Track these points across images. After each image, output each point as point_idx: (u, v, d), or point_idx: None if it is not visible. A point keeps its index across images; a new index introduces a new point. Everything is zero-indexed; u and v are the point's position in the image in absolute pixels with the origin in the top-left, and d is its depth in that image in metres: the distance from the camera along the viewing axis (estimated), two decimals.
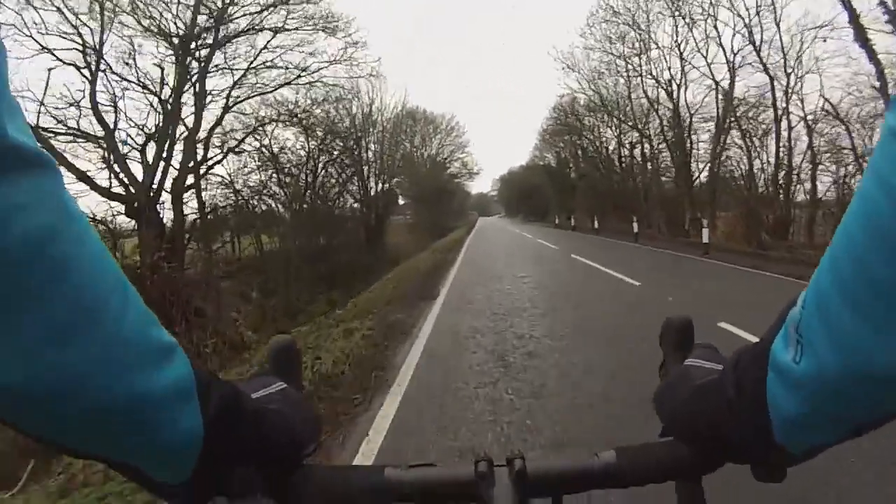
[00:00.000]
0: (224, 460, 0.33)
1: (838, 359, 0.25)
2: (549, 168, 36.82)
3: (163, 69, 11.35)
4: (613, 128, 22.93)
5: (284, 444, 0.38)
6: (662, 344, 0.49)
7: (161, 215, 10.83)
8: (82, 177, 9.80)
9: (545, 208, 42.23)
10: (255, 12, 12.34)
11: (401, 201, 30.82)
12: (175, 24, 11.27)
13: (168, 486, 0.31)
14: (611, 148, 24.23)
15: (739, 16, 14.65)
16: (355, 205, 20.62)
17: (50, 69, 9.79)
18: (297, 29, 13.38)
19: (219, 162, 12.88)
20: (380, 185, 22.59)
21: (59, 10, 9.84)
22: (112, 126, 10.56)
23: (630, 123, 20.85)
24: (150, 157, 10.95)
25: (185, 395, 0.29)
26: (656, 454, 0.41)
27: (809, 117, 13.76)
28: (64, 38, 10.15)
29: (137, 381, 0.26)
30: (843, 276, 0.25)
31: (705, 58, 16.31)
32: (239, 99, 13.16)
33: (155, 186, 10.80)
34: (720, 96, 16.33)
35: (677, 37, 17.07)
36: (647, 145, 20.78)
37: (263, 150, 14.03)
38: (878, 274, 0.23)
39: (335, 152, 17.33)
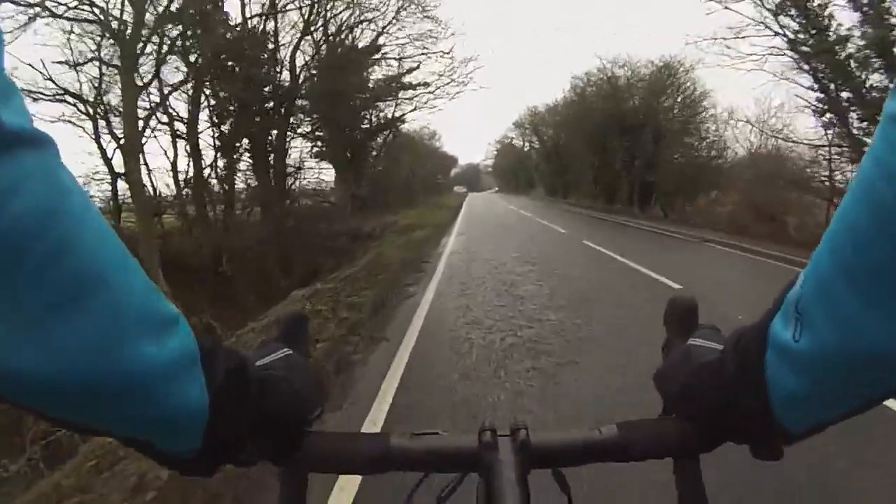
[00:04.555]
0: (231, 428, 0.33)
1: (838, 337, 0.26)
2: None
3: None
4: None
5: (289, 409, 0.39)
6: (666, 323, 0.48)
7: None
8: None
9: (619, 179, 21.36)
10: None
11: None
12: None
13: (177, 457, 0.32)
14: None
15: None
16: None
17: None
18: None
19: None
20: None
21: None
22: None
23: None
24: None
25: (190, 365, 0.30)
26: (658, 430, 0.41)
27: None
28: None
29: (140, 352, 0.26)
30: (843, 257, 0.25)
31: None
32: None
33: None
34: None
35: None
36: None
37: None
38: (878, 256, 0.23)
39: None
